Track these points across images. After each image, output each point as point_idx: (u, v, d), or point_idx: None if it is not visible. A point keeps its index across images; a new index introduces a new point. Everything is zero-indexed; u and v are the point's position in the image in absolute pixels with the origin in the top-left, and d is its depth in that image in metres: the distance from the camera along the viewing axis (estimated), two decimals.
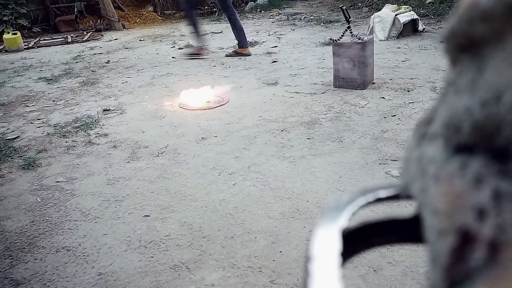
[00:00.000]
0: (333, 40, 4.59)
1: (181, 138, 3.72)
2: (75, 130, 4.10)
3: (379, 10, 7.28)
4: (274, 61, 6.01)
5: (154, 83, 5.54)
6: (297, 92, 4.59)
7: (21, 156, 3.59)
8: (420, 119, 0.22)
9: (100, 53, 7.96)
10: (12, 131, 4.23)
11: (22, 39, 9.36)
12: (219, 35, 8.83)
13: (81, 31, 10.97)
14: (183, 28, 10.16)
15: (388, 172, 2.76)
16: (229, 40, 7.96)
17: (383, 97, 4.19)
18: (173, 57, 6.95)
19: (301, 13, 10.59)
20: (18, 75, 6.65)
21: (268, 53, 6.59)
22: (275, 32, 8.39)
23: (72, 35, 10.49)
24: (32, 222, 2.62)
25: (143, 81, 5.68)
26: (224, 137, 3.64)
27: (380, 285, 1.90)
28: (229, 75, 5.55)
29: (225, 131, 3.77)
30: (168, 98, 4.83)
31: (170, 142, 3.64)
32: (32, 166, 3.37)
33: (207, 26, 9.98)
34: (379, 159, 2.94)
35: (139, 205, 2.67)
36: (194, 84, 5.06)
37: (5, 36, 9.08)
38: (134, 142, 3.72)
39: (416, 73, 4.86)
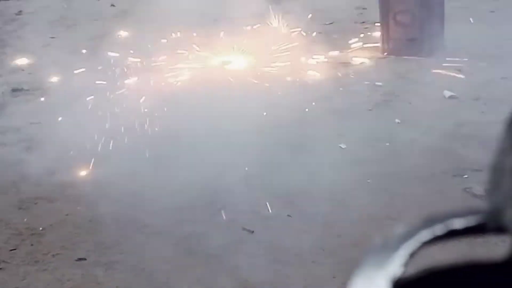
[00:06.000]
0: None
1: None
2: None
3: None
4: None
5: (94, 46, 4.34)
6: (318, 62, 3.74)
7: None
8: None
9: None
10: None
11: None
12: None
13: None
14: None
15: (468, 189, 2.48)
16: None
17: (459, 69, 3.52)
18: (112, 5, 5.74)
19: None
20: None
21: None
22: None
23: None
24: None
25: (77, 43, 4.52)
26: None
27: None
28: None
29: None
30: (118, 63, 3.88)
31: None
32: None
33: None
34: (454, 169, 2.63)
35: None
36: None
37: None
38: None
39: None
